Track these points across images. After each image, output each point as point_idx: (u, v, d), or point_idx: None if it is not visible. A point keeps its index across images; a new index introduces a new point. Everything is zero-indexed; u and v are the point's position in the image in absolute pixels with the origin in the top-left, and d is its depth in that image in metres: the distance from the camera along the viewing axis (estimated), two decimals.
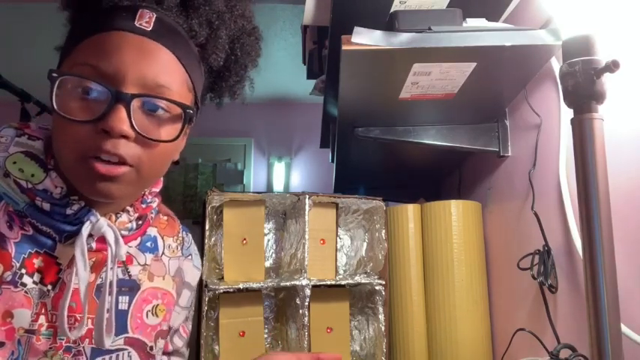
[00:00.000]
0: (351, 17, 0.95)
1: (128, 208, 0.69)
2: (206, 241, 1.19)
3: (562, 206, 0.94)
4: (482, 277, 1.23)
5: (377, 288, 1.26)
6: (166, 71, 0.61)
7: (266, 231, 1.31)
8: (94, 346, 0.66)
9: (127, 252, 0.71)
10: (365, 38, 0.86)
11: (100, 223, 0.63)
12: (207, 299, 1.14)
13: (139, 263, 0.72)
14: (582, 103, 0.70)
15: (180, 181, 3.80)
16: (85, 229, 0.62)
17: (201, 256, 1.19)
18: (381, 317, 1.26)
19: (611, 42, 0.76)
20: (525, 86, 1.07)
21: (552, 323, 0.93)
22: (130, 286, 0.70)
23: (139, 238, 0.73)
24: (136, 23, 0.60)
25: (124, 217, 0.68)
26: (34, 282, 0.61)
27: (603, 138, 0.69)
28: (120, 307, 0.69)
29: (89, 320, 0.65)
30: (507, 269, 1.18)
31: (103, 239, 0.65)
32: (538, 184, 1.03)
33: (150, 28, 0.61)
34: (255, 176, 3.94)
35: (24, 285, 0.60)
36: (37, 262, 0.62)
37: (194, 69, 0.66)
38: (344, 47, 0.87)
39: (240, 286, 1.17)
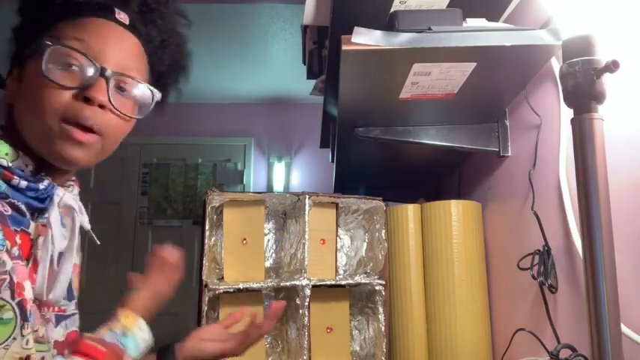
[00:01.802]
0: (351, 17, 0.95)
1: (70, 182, 0.77)
2: (206, 241, 1.19)
3: (562, 206, 0.94)
4: (482, 277, 1.23)
5: (377, 288, 1.26)
6: (138, 59, 0.73)
7: (266, 231, 1.31)
8: (57, 312, 0.72)
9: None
10: (365, 38, 0.86)
11: (66, 196, 0.70)
12: (207, 299, 1.14)
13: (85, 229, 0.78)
14: (582, 103, 0.70)
15: (180, 181, 3.80)
16: (56, 201, 0.69)
17: (201, 256, 1.20)
18: (381, 317, 1.25)
19: (611, 42, 0.75)
20: (525, 86, 1.07)
21: (552, 323, 0.93)
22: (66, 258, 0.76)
23: None
24: (116, 16, 0.72)
25: (75, 190, 0.77)
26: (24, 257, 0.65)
27: (603, 138, 0.69)
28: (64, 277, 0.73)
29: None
30: (507, 269, 1.18)
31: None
32: (538, 184, 1.03)
33: (127, 23, 0.73)
34: (255, 176, 3.93)
35: (22, 259, 0.65)
36: (17, 239, 0.65)
37: (148, 62, 0.78)
38: (344, 47, 0.87)
39: (240, 286, 1.17)
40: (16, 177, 0.64)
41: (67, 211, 0.72)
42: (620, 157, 0.78)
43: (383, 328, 1.25)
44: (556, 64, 0.97)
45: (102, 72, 0.67)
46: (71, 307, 0.76)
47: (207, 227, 1.19)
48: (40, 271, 0.66)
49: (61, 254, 0.71)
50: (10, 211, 0.64)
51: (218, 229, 1.25)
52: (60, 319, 0.73)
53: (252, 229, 1.26)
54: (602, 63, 0.68)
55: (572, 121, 0.72)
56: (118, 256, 3.60)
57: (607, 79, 0.69)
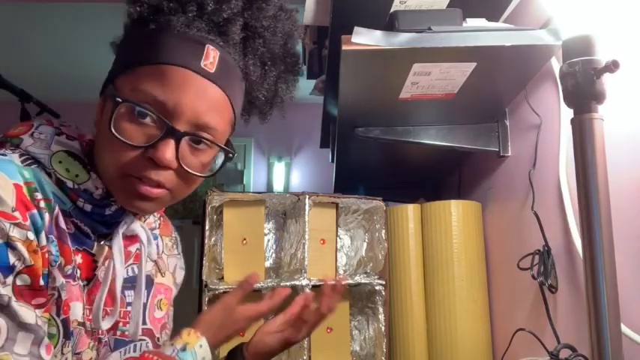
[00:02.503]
0: (351, 17, 0.94)
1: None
2: (206, 241, 1.19)
3: (562, 206, 0.94)
4: (482, 277, 1.23)
5: (377, 288, 1.26)
6: (218, 113, 0.65)
7: (266, 231, 1.31)
8: (116, 337, 0.71)
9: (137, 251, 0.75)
10: (365, 38, 0.86)
11: (134, 224, 0.69)
12: (207, 299, 1.14)
13: (151, 260, 0.78)
14: (582, 103, 0.70)
15: None
16: (122, 229, 0.67)
17: (201, 256, 1.19)
18: (381, 317, 1.25)
19: (611, 42, 0.75)
20: (525, 86, 1.07)
21: (552, 323, 0.93)
22: (147, 281, 0.76)
23: None
24: (202, 63, 0.63)
25: (150, 218, 0.77)
26: (77, 277, 0.65)
27: (603, 138, 0.69)
28: (139, 302, 0.73)
29: (120, 312, 0.71)
30: (507, 269, 1.18)
31: (127, 238, 0.71)
32: (538, 184, 1.03)
33: (213, 70, 0.64)
34: (255, 176, 3.94)
35: (78, 279, 0.65)
36: (77, 258, 0.65)
37: (239, 105, 0.71)
38: (344, 47, 0.87)
39: None
40: (81, 199, 0.63)
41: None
42: (620, 157, 0.78)
43: (383, 328, 1.25)
44: (556, 64, 0.97)
45: (171, 132, 0.61)
46: (137, 334, 0.73)
47: (207, 227, 1.19)
48: (97, 298, 0.66)
49: (150, 280, 0.75)
50: (72, 230, 0.64)
51: (218, 229, 1.25)
52: (120, 344, 0.72)
53: (252, 229, 1.26)
54: (602, 63, 0.68)
55: (572, 121, 0.72)
56: None
57: (607, 79, 0.69)
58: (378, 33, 0.87)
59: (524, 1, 1.07)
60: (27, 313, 0.56)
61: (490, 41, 0.88)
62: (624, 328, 0.73)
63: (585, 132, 0.69)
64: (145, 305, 0.75)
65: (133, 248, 0.73)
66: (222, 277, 1.22)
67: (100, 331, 0.69)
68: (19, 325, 0.55)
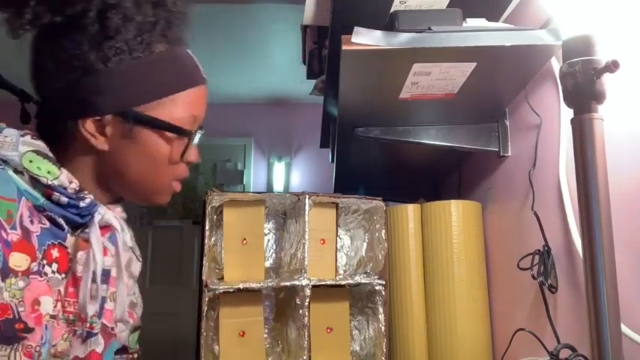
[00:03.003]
0: (351, 17, 0.95)
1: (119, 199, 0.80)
2: (206, 241, 1.19)
3: (562, 206, 0.94)
4: (482, 277, 1.23)
5: (377, 288, 1.26)
6: None
7: (266, 231, 1.31)
8: (87, 329, 0.73)
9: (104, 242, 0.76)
10: (365, 38, 0.86)
11: (108, 214, 0.73)
12: (207, 299, 1.14)
13: (110, 254, 0.78)
14: (582, 103, 0.70)
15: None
16: (97, 219, 0.71)
17: (201, 256, 1.19)
18: (381, 317, 1.25)
19: (611, 42, 0.76)
20: (525, 86, 1.07)
21: (552, 323, 0.93)
22: (104, 274, 0.76)
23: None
24: (204, 75, 0.79)
25: (118, 208, 0.80)
26: (52, 271, 0.67)
27: (603, 138, 0.69)
28: (101, 294, 0.75)
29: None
30: (507, 269, 1.18)
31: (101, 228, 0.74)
32: (538, 184, 1.03)
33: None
34: (255, 176, 3.94)
35: (46, 274, 0.67)
36: (54, 252, 0.68)
37: None
38: (344, 47, 0.87)
39: (240, 286, 1.17)
40: (56, 193, 0.67)
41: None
42: (620, 157, 0.78)
43: (383, 328, 1.25)
44: (556, 64, 0.97)
45: (197, 138, 0.77)
46: (97, 326, 0.75)
47: (207, 227, 1.19)
48: (82, 288, 0.69)
49: (108, 272, 0.75)
50: (47, 225, 0.67)
51: (218, 229, 1.25)
52: (89, 335, 0.74)
53: (252, 229, 1.26)
54: (602, 63, 0.68)
55: (572, 121, 0.72)
56: None
57: (607, 79, 0.69)
58: (378, 33, 0.87)
59: (524, 1, 1.07)
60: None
61: (490, 41, 0.88)
62: (624, 328, 0.73)
63: (585, 132, 0.69)
64: (105, 299, 0.76)
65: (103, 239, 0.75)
66: (222, 277, 1.22)
67: (78, 322, 0.71)
68: None
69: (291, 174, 3.94)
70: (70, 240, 0.70)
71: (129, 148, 0.72)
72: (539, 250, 0.98)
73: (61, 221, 0.68)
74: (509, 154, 1.19)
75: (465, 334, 1.18)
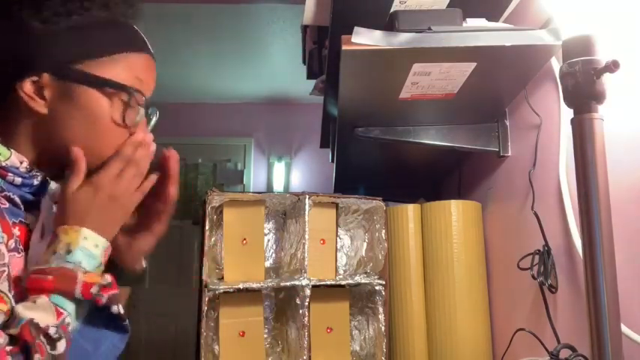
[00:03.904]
0: (351, 17, 0.95)
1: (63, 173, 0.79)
2: (206, 241, 1.19)
3: (562, 206, 0.94)
4: (482, 277, 1.23)
5: (377, 288, 1.26)
6: None
7: (266, 231, 1.31)
8: None
9: None
10: (365, 38, 0.86)
11: (59, 190, 0.72)
12: (207, 299, 1.14)
13: None
14: (582, 103, 0.70)
15: (181, 181, 3.79)
16: (49, 194, 0.73)
17: (201, 256, 1.19)
18: (381, 317, 1.25)
19: (611, 42, 0.75)
20: (525, 86, 1.07)
21: (552, 323, 0.93)
22: None
23: None
24: (151, 50, 0.77)
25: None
26: (20, 249, 0.67)
27: (603, 138, 0.69)
28: None
29: None
30: (507, 269, 1.18)
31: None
32: (538, 184, 1.03)
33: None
34: (255, 176, 3.93)
35: (23, 251, 0.67)
36: (15, 231, 0.67)
37: None
38: (344, 47, 0.87)
39: (240, 286, 1.17)
40: (10, 174, 0.67)
41: None
42: (620, 157, 0.78)
43: (383, 328, 1.25)
44: (556, 64, 0.97)
45: (146, 112, 0.75)
46: None
47: (207, 227, 1.19)
48: (30, 263, 0.68)
49: None
50: (7, 205, 0.67)
51: (218, 229, 1.25)
52: None
53: (252, 229, 1.26)
54: (602, 63, 0.68)
55: (572, 121, 0.72)
56: None
57: (607, 79, 0.69)
58: (378, 33, 0.87)
59: (524, 1, 1.07)
60: None
61: (490, 41, 0.88)
62: (624, 328, 0.73)
63: (585, 132, 0.69)
64: None
65: None
66: (222, 277, 1.22)
67: None
68: None
69: (291, 174, 3.94)
70: (28, 217, 0.70)
71: (69, 110, 0.70)
72: (539, 250, 0.98)
73: (18, 200, 0.68)
74: (509, 154, 1.19)
75: (465, 334, 1.18)
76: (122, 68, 0.71)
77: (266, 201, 1.27)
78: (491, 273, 1.26)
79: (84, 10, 0.69)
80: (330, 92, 1.35)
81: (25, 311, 0.60)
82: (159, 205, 0.79)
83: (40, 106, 0.69)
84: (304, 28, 1.49)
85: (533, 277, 0.97)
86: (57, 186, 0.74)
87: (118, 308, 0.66)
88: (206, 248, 1.19)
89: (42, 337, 0.58)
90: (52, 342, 0.59)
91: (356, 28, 0.86)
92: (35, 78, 0.68)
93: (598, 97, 0.69)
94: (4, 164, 0.66)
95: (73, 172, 0.71)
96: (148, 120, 0.78)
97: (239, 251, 1.23)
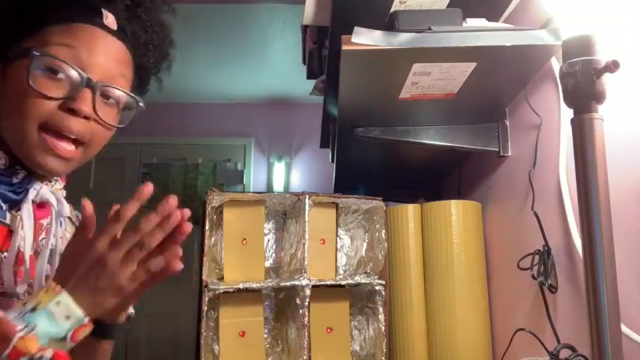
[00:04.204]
0: (351, 17, 0.95)
1: (56, 177, 0.76)
2: (206, 241, 1.19)
3: (562, 206, 0.94)
4: (482, 277, 1.23)
5: (377, 288, 1.26)
6: (124, 65, 0.73)
7: (266, 231, 1.31)
8: None
9: (49, 223, 0.73)
10: (365, 38, 0.86)
11: (43, 190, 0.70)
12: (207, 299, 1.14)
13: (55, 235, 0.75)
14: (582, 103, 0.70)
15: (181, 181, 3.80)
16: (31, 195, 0.68)
17: (201, 256, 1.19)
18: (381, 317, 1.25)
19: (611, 42, 0.75)
20: (525, 86, 1.07)
21: (552, 323, 0.93)
22: (52, 255, 0.73)
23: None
24: (105, 22, 0.71)
25: (57, 185, 0.76)
26: None
27: (603, 138, 0.69)
28: (45, 274, 0.72)
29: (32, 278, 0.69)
30: (507, 269, 1.18)
31: (39, 209, 0.71)
32: (538, 184, 1.03)
33: (115, 28, 0.72)
34: (255, 176, 3.93)
35: None
36: None
37: (134, 66, 0.78)
38: (344, 47, 0.87)
39: (240, 286, 1.17)
40: None
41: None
42: (620, 157, 0.78)
43: (383, 328, 1.25)
44: (556, 64, 0.97)
45: (88, 82, 0.67)
46: None
47: (207, 227, 1.19)
48: (6, 267, 0.65)
49: (53, 252, 0.71)
50: None
51: (218, 229, 1.25)
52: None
53: (252, 229, 1.26)
54: (602, 63, 0.68)
55: (572, 121, 0.72)
56: None
57: (607, 79, 0.68)
58: (378, 33, 0.87)
59: (524, 1, 1.07)
60: None
61: (490, 41, 0.88)
62: (624, 328, 0.73)
63: (585, 132, 0.69)
64: (47, 278, 0.71)
65: (45, 221, 0.72)
66: (222, 277, 1.22)
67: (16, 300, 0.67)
68: None
69: (291, 174, 3.94)
70: (8, 217, 0.67)
71: (2, 92, 0.67)
72: (539, 250, 0.98)
73: None
74: (509, 154, 1.19)
75: (465, 334, 1.18)
76: (49, 37, 0.67)
77: (266, 201, 1.27)
78: (491, 273, 1.26)
79: None
80: (330, 92, 1.35)
81: None
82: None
83: None
84: (304, 28, 1.49)
85: (533, 277, 0.97)
86: (41, 186, 0.71)
87: None
88: (206, 248, 1.19)
89: None
90: None
91: (356, 28, 0.86)
92: None
93: (598, 97, 0.69)
94: None
95: (80, 227, 0.64)
96: (107, 100, 0.71)
97: (239, 251, 1.23)
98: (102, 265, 0.60)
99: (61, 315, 0.58)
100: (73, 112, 0.66)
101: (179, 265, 0.63)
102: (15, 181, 0.67)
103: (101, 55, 0.69)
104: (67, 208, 0.75)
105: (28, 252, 0.68)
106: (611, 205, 0.69)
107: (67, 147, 0.67)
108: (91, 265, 0.61)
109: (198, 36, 3.00)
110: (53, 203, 0.71)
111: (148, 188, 0.65)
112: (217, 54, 3.26)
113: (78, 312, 0.59)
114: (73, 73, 0.66)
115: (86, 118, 0.67)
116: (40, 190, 0.69)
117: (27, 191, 0.68)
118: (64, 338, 0.59)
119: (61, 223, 0.75)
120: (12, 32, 0.68)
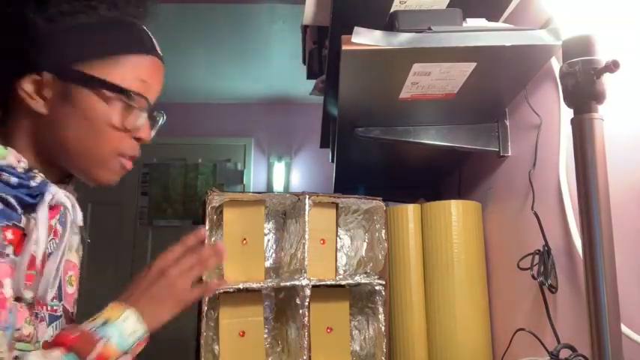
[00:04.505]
0: (351, 17, 0.95)
1: (67, 178, 0.77)
2: (206, 241, 1.19)
3: (562, 206, 0.94)
4: (482, 277, 1.23)
5: (377, 288, 1.26)
6: None
7: (266, 231, 1.31)
8: (50, 312, 0.72)
9: (56, 223, 0.74)
10: (365, 38, 0.86)
11: (59, 194, 0.70)
12: (207, 299, 1.14)
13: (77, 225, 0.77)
14: (582, 103, 0.70)
15: (181, 181, 3.80)
16: (47, 198, 0.68)
17: None
18: (381, 317, 1.25)
19: (611, 42, 0.75)
20: (525, 86, 1.07)
21: (552, 323, 0.93)
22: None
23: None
24: (159, 50, 0.76)
25: (70, 186, 0.78)
26: (11, 253, 0.64)
27: (603, 138, 0.69)
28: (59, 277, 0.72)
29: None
30: (507, 269, 1.18)
31: (50, 208, 0.71)
32: (538, 184, 1.03)
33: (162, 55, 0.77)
34: (255, 176, 3.93)
35: (8, 256, 0.64)
36: (8, 234, 0.64)
37: None
38: (344, 47, 0.87)
39: (240, 286, 1.17)
40: (5, 174, 0.64)
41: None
42: (620, 157, 0.78)
43: (383, 328, 1.25)
44: (556, 64, 0.97)
45: (151, 113, 0.75)
46: (60, 309, 0.74)
47: (207, 227, 1.19)
48: (18, 269, 0.65)
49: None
50: (1, 206, 0.64)
51: (218, 229, 1.25)
52: (52, 319, 0.72)
53: (252, 229, 1.26)
54: (602, 63, 0.68)
55: (572, 121, 0.72)
56: (117, 256, 3.60)
57: (607, 79, 0.68)
58: (378, 33, 0.87)
59: (524, 1, 1.07)
60: None
61: (490, 41, 0.88)
62: (624, 328, 0.73)
63: (585, 132, 0.69)
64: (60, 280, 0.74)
65: (52, 221, 0.72)
66: (222, 277, 1.22)
67: (39, 306, 0.69)
68: None
69: (291, 174, 3.94)
70: (24, 221, 0.67)
71: (68, 111, 0.69)
72: (539, 250, 0.98)
73: (14, 202, 0.65)
74: (509, 154, 1.19)
75: (465, 334, 1.18)
76: (126, 70, 0.70)
77: (266, 201, 1.27)
78: (491, 273, 1.26)
79: (90, 9, 0.68)
80: (330, 92, 1.35)
81: (34, 358, 0.62)
82: None
83: (40, 106, 0.68)
84: (304, 28, 1.49)
85: (533, 277, 0.97)
86: (57, 189, 0.70)
87: None
88: None
89: None
90: None
91: (356, 28, 0.86)
92: (36, 77, 0.67)
93: (598, 97, 0.69)
94: None
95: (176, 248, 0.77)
96: (155, 123, 0.77)
97: (239, 251, 1.23)
98: (164, 277, 0.74)
99: (128, 330, 0.68)
100: (139, 139, 0.74)
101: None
102: (33, 184, 0.67)
103: (160, 85, 0.76)
104: (80, 216, 0.74)
105: (39, 257, 0.68)
106: (611, 205, 0.69)
107: (130, 163, 0.75)
108: (153, 278, 0.74)
109: (199, 36, 3.00)
110: (68, 206, 0.71)
111: (203, 233, 0.83)
112: (217, 54, 3.26)
113: (142, 328, 0.70)
114: (146, 109, 0.73)
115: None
116: (55, 193, 0.69)
117: (42, 195, 0.68)
118: (126, 352, 0.68)
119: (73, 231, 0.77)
120: (76, 51, 0.69)
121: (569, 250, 0.92)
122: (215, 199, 1.21)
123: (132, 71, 0.71)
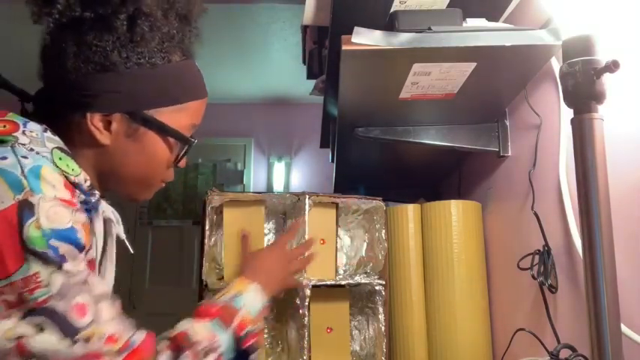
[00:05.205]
0: (351, 17, 0.95)
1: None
2: (206, 241, 1.19)
3: (562, 206, 0.94)
4: (483, 277, 1.23)
5: (377, 288, 1.26)
6: None
7: (266, 231, 1.31)
8: None
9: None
10: (365, 38, 0.86)
11: (107, 209, 0.76)
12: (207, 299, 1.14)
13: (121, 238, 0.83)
14: (582, 103, 0.70)
15: (181, 181, 3.80)
16: (101, 212, 0.75)
17: (201, 256, 1.19)
18: (381, 317, 1.25)
19: (611, 42, 0.75)
20: (525, 86, 1.07)
21: (552, 323, 0.93)
22: None
23: None
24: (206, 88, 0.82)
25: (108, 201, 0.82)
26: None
27: (603, 138, 0.69)
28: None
29: None
30: (507, 269, 1.18)
31: None
32: (538, 184, 1.03)
33: None
34: (255, 176, 3.93)
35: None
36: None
37: None
38: (344, 47, 0.87)
39: None
40: (77, 190, 0.68)
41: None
42: (620, 157, 0.78)
43: (383, 328, 1.25)
44: (556, 64, 0.97)
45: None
46: None
47: (207, 227, 1.19)
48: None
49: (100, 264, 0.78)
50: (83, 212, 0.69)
51: (218, 229, 1.25)
52: None
53: (252, 229, 1.26)
54: (602, 63, 0.68)
55: (572, 121, 0.72)
56: (117, 256, 3.60)
57: (607, 79, 0.69)
58: (378, 33, 0.87)
59: (524, 1, 1.07)
60: (99, 283, 0.64)
61: (490, 41, 0.88)
62: (624, 328, 0.73)
63: (585, 132, 0.69)
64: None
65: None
66: (222, 277, 1.22)
67: None
68: (99, 296, 0.62)
69: (291, 174, 3.94)
70: None
71: (130, 147, 0.74)
72: (539, 250, 0.98)
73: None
74: (509, 154, 1.19)
75: (465, 334, 1.18)
76: (185, 115, 0.76)
77: (266, 201, 1.27)
78: (491, 273, 1.26)
79: (164, 54, 0.73)
80: (330, 92, 1.35)
81: (185, 323, 0.74)
82: None
83: (105, 138, 0.72)
84: (304, 28, 1.49)
85: (533, 277, 0.97)
86: (107, 205, 0.76)
87: (256, 357, 0.79)
88: (206, 248, 1.19)
89: (196, 347, 0.70)
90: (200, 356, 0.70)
91: (356, 28, 0.86)
92: (107, 114, 0.71)
93: (598, 97, 0.69)
94: (73, 180, 0.67)
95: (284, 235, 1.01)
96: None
97: (239, 251, 1.23)
98: (286, 258, 1.03)
99: (256, 301, 0.85)
100: (176, 167, 0.81)
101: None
102: (93, 200, 0.71)
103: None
104: (122, 228, 0.80)
105: (97, 264, 0.73)
106: (611, 205, 0.69)
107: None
108: (277, 259, 1.01)
109: (198, 36, 3.00)
110: (114, 220, 0.77)
111: (300, 225, 1.16)
112: (217, 54, 3.26)
113: (264, 298, 0.87)
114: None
115: None
116: (105, 209, 0.75)
117: (96, 209, 0.72)
118: (256, 316, 0.83)
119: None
120: (150, 98, 0.73)
121: (569, 250, 0.92)
122: (215, 199, 1.21)
123: (189, 116, 0.77)
